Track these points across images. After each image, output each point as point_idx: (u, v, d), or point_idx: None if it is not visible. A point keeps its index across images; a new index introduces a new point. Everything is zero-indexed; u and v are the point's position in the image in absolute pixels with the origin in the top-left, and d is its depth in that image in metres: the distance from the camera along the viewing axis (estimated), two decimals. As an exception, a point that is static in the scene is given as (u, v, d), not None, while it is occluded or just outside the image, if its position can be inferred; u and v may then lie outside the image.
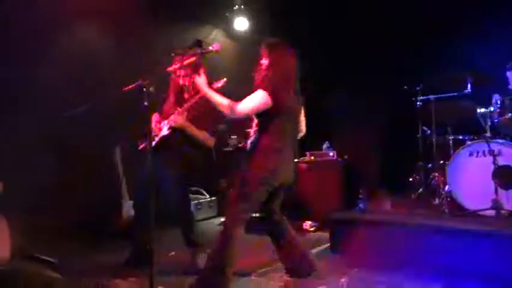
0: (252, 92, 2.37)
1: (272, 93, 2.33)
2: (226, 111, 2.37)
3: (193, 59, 2.50)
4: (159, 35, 4.67)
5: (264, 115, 2.40)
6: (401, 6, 4.84)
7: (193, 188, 4.92)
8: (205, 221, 4.76)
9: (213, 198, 4.99)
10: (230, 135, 4.99)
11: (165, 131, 2.96)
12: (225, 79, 2.78)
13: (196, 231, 3.11)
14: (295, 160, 4.63)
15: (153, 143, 2.94)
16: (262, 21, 5.69)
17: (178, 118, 2.88)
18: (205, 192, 4.99)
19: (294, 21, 5.39)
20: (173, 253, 3.32)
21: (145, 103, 2.80)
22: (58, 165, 3.69)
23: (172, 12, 4.77)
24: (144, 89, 2.51)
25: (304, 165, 4.44)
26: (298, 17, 5.36)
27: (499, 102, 3.69)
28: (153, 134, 2.95)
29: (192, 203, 4.68)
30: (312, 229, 4.10)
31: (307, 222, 4.16)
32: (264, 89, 2.33)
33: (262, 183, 2.36)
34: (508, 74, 3.96)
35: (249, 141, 2.52)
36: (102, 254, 3.33)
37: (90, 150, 3.90)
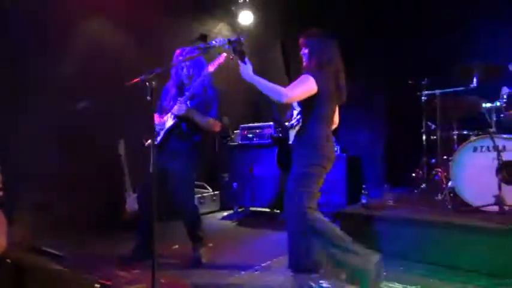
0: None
1: (316, 79, 2.32)
2: (280, 98, 2.30)
3: (195, 54, 2.51)
4: (164, 28, 4.67)
5: (308, 102, 2.38)
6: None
7: (197, 182, 4.95)
8: (209, 215, 4.79)
9: (216, 192, 5.02)
10: (233, 130, 5.00)
11: (170, 122, 2.96)
12: (225, 54, 2.75)
13: (202, 226, 3.12)
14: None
15: (159, 138, 2.95)
16: (267, 15, 5.67)
17: (182, 106, 2.87)
18: (208, 186, 5.01)
19: (300, 14, 5.36)
20: (177, 246, 3.35)
21: (149, 98, 2.84)
22: (63, 157, 3.73)
23: (177, 6, 4.76)
24: (148, 84, 2.53)
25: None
26: (304, 10, 5.32)
27: (505, 97, 3.65)
28: (158, 128, 2.96)
29: (196, 196, 4.71)
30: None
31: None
32: (310, 74, 2.33)
33: (321, 174, 2.40)
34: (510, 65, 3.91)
35: (293, 132, 2.53)
36: (107, 247, 3.37)
37: (95, 142, 3.92)
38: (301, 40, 2.52)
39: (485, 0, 4.43)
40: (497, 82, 3.97)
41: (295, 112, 2.63)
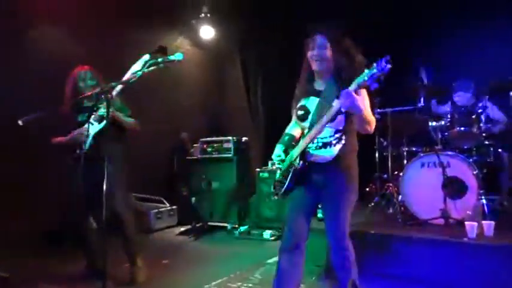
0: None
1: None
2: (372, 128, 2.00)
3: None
4: (122, 38, 4.59)
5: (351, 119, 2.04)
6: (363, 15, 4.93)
7: (154, 197, 4.85)
8: (166, 230, 4.69)
9: (173, 206, 4.93)
10: (193, 144, 4.97)
11: (96, 127, 2.81)
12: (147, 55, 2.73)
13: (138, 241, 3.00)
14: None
15: (87, 145, 2.82)
16: (228, 31, 5.73)
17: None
18: (165, 201, 4.91)
19: (260, 31, 5.47)
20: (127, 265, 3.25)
21: (103, 111, 2.77)
22: (15, 170, 3.54)
23: (137, 17, 4.71)
24: (103, 96, 2.47)
25: (265, 174, 4.49)
26: (265, 27, 5.44)
27: (449, 116, 3.90)
28: (80, 140, 2.84)
29: (152, 212, 4.61)
30: (272, 238, 4.14)
31: (267, 231, 4.20)
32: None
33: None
34: (459, 90, 4.22)
35: (333, 150, 2.02)
36: (59, 264, 3.22)
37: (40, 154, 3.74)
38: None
39: (432, 24, 4.73)
40: (443, 102, 4.26)
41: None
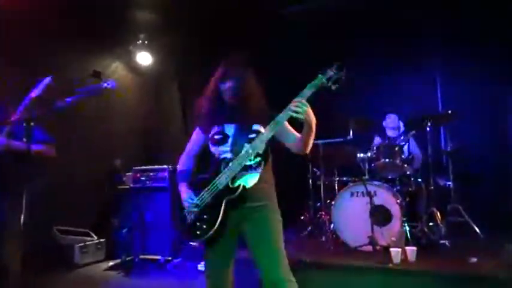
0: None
1: None
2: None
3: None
4: (55, 61, 4.36)
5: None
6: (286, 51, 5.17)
7: (80, 229, 4.52)
8: (92, 266, 4.36)
9: (101, 239, 4.62)
10: (125, 172, 4.76)
11: None
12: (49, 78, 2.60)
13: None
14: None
15: None
16: (165, 57, 5.72)
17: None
18: (92, 234, 4.60)
19: (198, 58, 5.53)
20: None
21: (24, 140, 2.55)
22: None
23: (71, 39, 4.52)
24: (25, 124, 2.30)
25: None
26: (203, 54, 5.50)
27: (375, 148, 4.20)
28: None
29: (77, 245, 4.28)
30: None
31: (202, 262, 4.08)
32: None
33: None
34: (384, 123, 4.59)
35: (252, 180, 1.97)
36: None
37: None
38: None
39: (360, 61, 5.14)
40: (370, 134, 4.59)
41: None
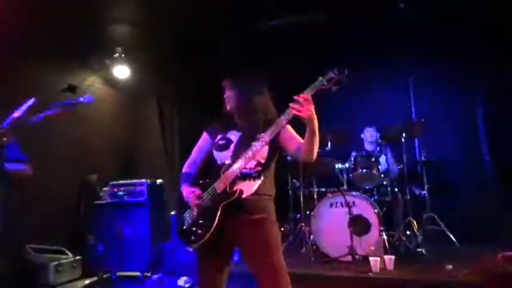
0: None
1: None
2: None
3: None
4: (30, 76, 4.27)
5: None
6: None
7: (54, 247, 4.37)
8: (67, 285, 4.21)
9: (77, 257, 4.47)
10: (102, 187, 4.66)
11: None
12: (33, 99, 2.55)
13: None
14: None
15: None
16: (143, 71, 5.68)
17: None
18: (67, 251, 4.45)
19: (176, 72, 5.52)
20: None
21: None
22: None
23: (44, 52, 4.44)
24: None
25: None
26: (181, 68, 5.50)
27: (352, 159, 4.28)
28: None
29: (51, 264, 4.14)
30: (187, 285, 3.97)
31: (182, 277, 4.01)
32: None
33: None
34: (363, 135, 4.68)
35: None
36: None
37: None
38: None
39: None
40: (347, 146, 4.67)
41: None
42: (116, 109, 5.68)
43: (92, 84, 5.31)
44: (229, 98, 2.07)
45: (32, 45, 4.28)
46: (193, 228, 1.94)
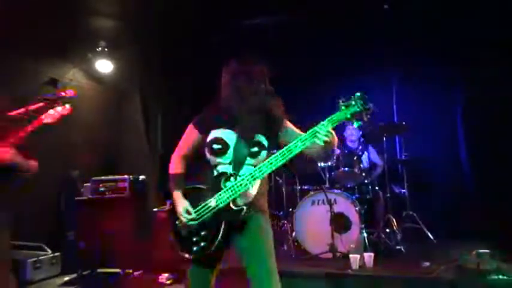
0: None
1: None
2: None
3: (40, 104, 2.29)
4: (11, 69, 4.16)
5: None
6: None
7: (33, 243, 4.29)
8: (46, 282, 4.14)
9: (56, 254, 4.41)
10: (83, 183, 4.60)
11: None
12: (69, 106, 2.61)
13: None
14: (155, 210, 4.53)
15: None
16: (127, 65, 5.60)
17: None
18: (46, 248, 4.37)
19: (160, 67, 5.47)
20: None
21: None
22: None
23: (24, 45, 4.34)
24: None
25: (163, 215, 4.34)
26: (165, 63, 5.45)
27: (335, 158, 4.32)
28: None
29: (29, 261, 4.06)
30: (168, 282, 3.96)
31: (163, 274, 4.00)
32: None
33: None
34: (345, 133, 4.72)
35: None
36: None
37: None
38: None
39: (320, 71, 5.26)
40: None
41: None
42: (99, 104, 5.60)
43: (73, 78, 5.21)
44: (227, 85, 1.89)
45: (11, 35, 4.17)
46: (194, 239, 1.87)
